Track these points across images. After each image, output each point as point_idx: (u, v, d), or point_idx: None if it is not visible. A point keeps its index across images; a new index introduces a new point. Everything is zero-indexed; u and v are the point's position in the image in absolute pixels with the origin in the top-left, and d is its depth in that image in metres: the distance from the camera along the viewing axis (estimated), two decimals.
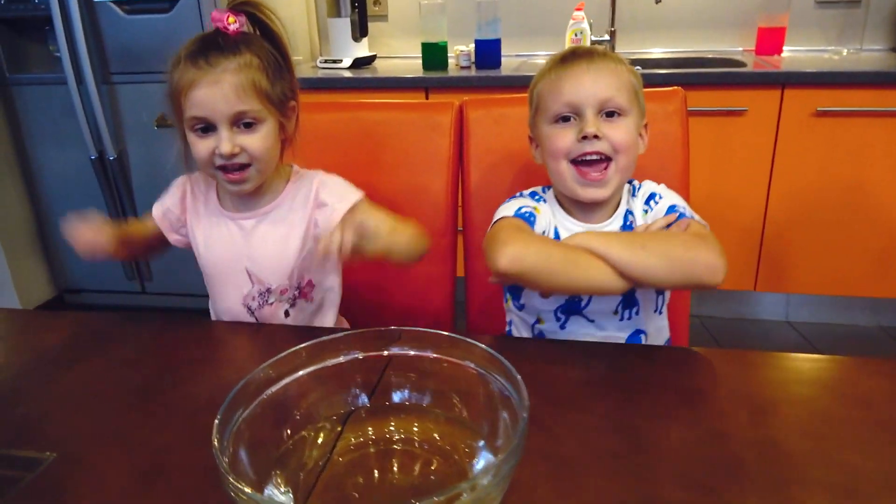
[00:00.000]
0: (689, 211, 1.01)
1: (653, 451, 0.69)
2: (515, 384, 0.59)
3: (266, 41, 1.03)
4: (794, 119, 2.10)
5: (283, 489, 0.61)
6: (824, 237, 2.21)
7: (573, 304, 1.04)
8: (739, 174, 2.19)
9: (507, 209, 1.04)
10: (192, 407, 0.81)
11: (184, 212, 1.12)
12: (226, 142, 0.97)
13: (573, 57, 1.00)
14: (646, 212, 1.04)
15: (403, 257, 1.01)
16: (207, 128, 0.98)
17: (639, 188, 1.08)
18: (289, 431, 0.68)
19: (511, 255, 0.90)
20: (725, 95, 2.10)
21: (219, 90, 0.96)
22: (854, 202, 2.15)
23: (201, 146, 0.99)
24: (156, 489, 0.67)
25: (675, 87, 1.26)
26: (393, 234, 1.01)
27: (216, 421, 0.57)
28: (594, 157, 0.97)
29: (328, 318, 1.17)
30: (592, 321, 1.04)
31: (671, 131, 1.24)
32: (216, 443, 0.54)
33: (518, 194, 1.11)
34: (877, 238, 2.18)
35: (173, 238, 1.14)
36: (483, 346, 0.65)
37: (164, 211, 1.12)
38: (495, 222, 1.03)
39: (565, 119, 0.99)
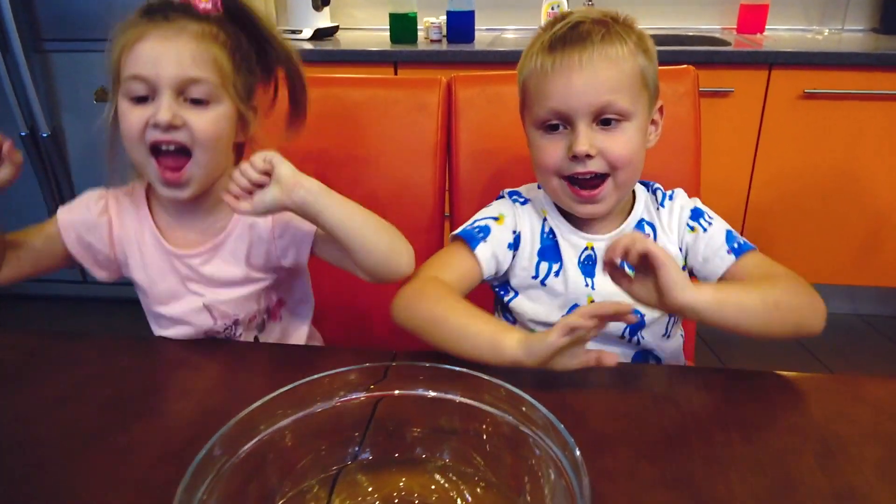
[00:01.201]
0: (739, 236, 0.88)
1: None
2: (570, 458, 0.46)
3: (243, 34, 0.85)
4: (780, 101, 2.01)
5: None
6: (806, 224, 2.15)
7: None
8: (722, 158, 2.10)
9: (463, 226, 0.93)
10: (147, 454, 0.65)
11: (113, 248, 0.90)
12: (165, 108, 0.77)
13: (563, 44, 0.81)
14: (692, 228, 0.89)
15: (369, 252, 0.82)
16: (146, 97, 0.79)
17: (668, 197, 0.93)
18: (268, 499, 0.53)
19: (393, 305, 0.84)
20: (711, 75, 2.00)
21: (171, 47, 0.78)
22: (837, 188, 2.09)
23: (134, 115, 0.79)
24: None
25: (687, 66, 1.14)
26: (361, 212, 0.83)
27: None
28: (587, 176, 0.83)
29: (301, 334, 1.02)
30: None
31: (682, 114, 1.12)
32: None
33: (500, 194, 0.98)
34: (858, 225, 2.12)
35: (100, 274, 0.92)
36: (527, 396, 0.51)
37: (84, 246, 0.90)
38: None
39: (553, 127, 0.84)
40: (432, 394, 0.57)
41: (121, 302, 2.50)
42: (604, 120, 0.81)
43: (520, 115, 0.93)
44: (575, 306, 0.89)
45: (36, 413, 0.72)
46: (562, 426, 0.48)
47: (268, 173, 0.77)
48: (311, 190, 0.78)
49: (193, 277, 0.90)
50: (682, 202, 0.92)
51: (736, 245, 0.86)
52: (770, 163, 2.09)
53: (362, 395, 0.57)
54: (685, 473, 0.61)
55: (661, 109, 0.89)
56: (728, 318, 0.72)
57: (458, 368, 0.56)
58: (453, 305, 0.79)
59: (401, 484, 0.56)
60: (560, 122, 0.83)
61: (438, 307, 0.80)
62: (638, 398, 0.72)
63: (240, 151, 0.92)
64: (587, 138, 0.80)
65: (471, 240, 0.89)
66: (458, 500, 0.55)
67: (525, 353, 0.70)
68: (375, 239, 0.82)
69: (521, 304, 0.93)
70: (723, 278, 0.86)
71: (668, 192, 0.94)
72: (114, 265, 0.92)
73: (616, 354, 0.71)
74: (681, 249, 0.90)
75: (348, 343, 1.19)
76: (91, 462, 0.65)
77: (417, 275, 0.87)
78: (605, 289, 0.88)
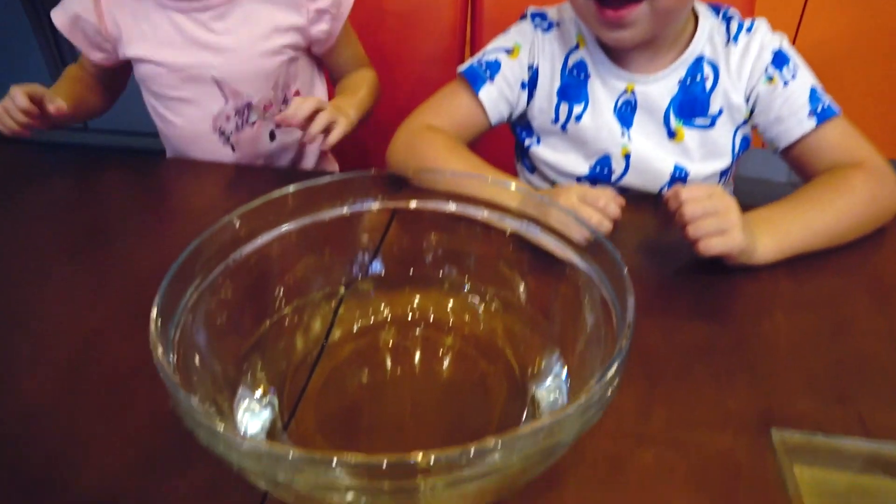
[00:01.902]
0: (826, 95, 0.71)
1: (762, 346, 0.52)
2: (615, 278, 0.40)
3: None
4: None
5: (261, 391, 0.43)
6: (854, 92, 2.00)
7: (603, 175, 0.80)
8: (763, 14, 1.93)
9: (470, 60, 0.80)
10: (136, 271, 0.60)
11: (102, 19, 0.82)
12: None
13: None
14: (770, 79, 0.72)
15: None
16: None
17: (745, 29, 0.74)
18: (266, 309, 0.48)
19: (387, 157, 0.78)
20: None
21: None
22: (893, 52, 1.93)
23: None
24: (83, 386, 0.48)
25: None
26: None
27: (155, 305, 0.36)
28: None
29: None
30: (626, 191, 0.81)
31: None
32: (157, 341, 0.35)
33: (524, 13, 0.83)
34: None
35: (96, 56, 0.85)
36: (566, 209, 0.44)
37: (71, 18, 0.82)
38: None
39: None
40: (453, 207, 0.50)
41: (126, 152, 2.43)
42: None
43: None
44: (606, 158, 0.79)
45: (12, 225, 0.67)
46: (606, 240, 0.42)
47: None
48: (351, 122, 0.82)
49: (201, 41, 0.82)
50: (762, 39, 0.73)
51: (820, 108, 0.70)
52: (819, 21, 1.92)
53: (376, 205, 0.50)
54: (726, 308, 0.56)
55: None
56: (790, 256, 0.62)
57: (486, 177, 0.49)
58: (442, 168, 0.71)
59: (415, 302, 0.51)
60: None
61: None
62: (676, 233, 0.66)
63: None
64: None
65: (475, 80, 0.77)
66: (479, 321, 0.50)
67: None
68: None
69: (542, 152, 0.82)
70: (793, 146, 0.72)
71: (747, 23, 0.74)
72: (107, 42, 0.84)
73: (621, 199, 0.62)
74: (747, 100, 0.74)
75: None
76: (75, 275, 0.60)
77: (412, 120, 0.78)
78: (644, 143, 0.77)
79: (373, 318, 0.50)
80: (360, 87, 0.90)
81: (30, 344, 0.52)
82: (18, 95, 0.73)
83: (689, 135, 0.76)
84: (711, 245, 0.57)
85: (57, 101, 0.75)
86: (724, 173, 0.80)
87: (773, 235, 0.61)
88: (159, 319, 0.36)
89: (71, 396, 0.48)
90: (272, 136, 0.90)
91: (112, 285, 0.59)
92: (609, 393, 0.33)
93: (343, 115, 0.80)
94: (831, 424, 0.45)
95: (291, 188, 0.47)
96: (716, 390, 0.48)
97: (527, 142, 0.84)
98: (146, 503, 0.40)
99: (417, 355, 0.49)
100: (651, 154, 0.77)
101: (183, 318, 0.40)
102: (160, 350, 0.34)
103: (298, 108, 0.74)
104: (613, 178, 0.80)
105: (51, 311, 0.56)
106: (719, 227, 0.57)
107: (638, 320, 0.53)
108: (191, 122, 0.86)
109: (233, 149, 0.88)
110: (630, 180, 0.79)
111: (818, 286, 0.59)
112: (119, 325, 0.54)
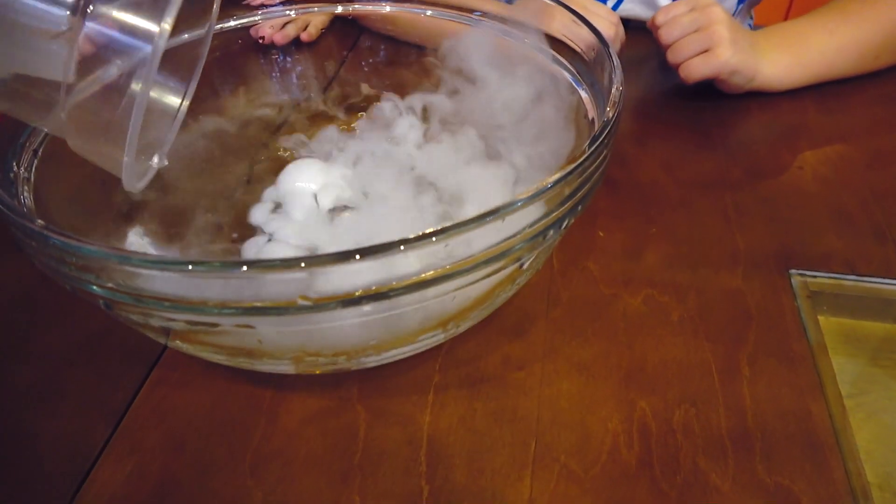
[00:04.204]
0: None
1: (781, 180, 0.43)
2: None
3: None
4: None
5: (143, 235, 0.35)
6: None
7: None
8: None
9: None
10: None
11: None
12: None
13: None
14: None
15: None
16: None
17: None
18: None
19: None
20: None
21: None
22: None
23: None
24: None
25: None
26: None
27: None
28: None
29: None
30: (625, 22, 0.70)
31: None
32: None
33: None
34: None
35: None
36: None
37: None
38: None
39: None
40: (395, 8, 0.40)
41: None
42: None
43: None
44: None
45: None
46: (613, 52, 0.31)
47: None
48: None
49: None
50: None
51: None
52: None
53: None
54: (739, 140, 0.46)
55: None
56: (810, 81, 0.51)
57: None
58: None
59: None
60: None
61: None
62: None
63: None
64: None
65: None
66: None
67: None
68: None
69: None
70: None
71: None
72: None
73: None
74: None
75: None
76: None
77: None
78: None
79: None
80: None
81: None
82: None
83: None
84: (692, 67, 0.47)
85: None
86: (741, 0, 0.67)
87: (786, 50, 0.50)
88: None
89: None
90: None
91: None
92: (581, 184, 0.24)
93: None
94: (865, 264, 0.37)
95: None
96: (724, 227, 0.39)
97: None
98: (20, 360, 0.33)
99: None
100: None
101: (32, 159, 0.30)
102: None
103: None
104: (609, 5, 0.68)
105: None
106: (702, 44, 0.46)
107: (633, 150, 0.44)
108: None
109: None
110: (628, 8, 0.67)
111: (852, 116, 0.49)
112: None
